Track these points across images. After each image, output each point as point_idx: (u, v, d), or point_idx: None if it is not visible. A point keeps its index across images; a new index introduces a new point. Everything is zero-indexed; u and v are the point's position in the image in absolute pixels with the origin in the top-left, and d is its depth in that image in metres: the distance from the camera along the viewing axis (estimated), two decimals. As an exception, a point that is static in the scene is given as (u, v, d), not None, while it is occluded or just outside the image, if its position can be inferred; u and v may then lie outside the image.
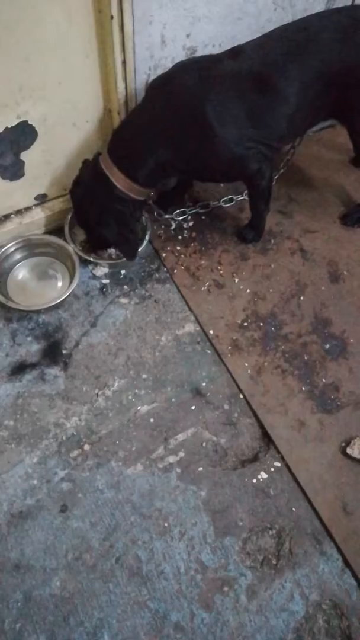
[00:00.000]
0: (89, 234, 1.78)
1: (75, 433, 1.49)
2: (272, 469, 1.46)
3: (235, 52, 1.52)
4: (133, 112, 1.61)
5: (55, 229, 1.87)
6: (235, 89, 1.48)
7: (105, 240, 1.77)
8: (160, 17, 1.56)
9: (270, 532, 1.37)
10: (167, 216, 1.91)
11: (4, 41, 1.38)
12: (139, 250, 1.77)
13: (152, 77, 1.67)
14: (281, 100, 1.52)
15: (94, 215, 1.67)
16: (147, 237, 1.84)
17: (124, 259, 1.79)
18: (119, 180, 1.58)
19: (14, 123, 1.57)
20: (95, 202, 1.64)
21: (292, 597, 1.29)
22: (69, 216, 1.84)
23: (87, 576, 1.29)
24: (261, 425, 1.53)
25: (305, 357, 1.67)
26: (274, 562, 1.33)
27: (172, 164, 1.59)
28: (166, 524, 1.37)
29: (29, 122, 1.59)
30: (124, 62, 1.58)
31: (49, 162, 1.75)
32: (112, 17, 1.44)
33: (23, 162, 1.69)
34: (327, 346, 1.69)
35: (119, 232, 1.67)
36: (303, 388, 1.60)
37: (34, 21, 1.38)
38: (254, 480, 1.44)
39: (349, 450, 1.47)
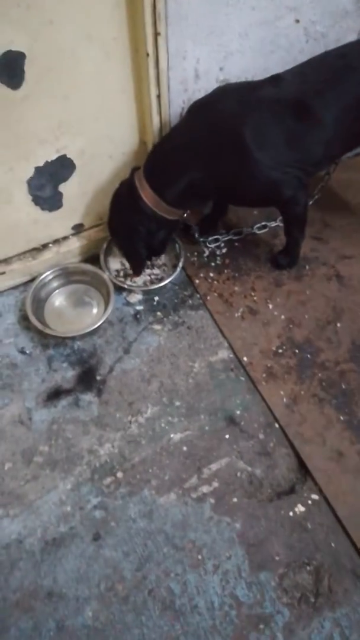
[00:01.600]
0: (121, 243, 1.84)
1: (108, 460, 1.49)
2: (310, 502, 1.41)
3: (275, 79, 1.55)
4: (171, 131, 1.65)
5: (91, 257, 1.91)
6: (273, 113, 1.50)
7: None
8: (194, 53, 1.61)
9: (308, 567, 1.32)
10: (202, 239, 1.93)
11: (46, 81, 1.45)
12: (169, 279, 1.85)
13: (186, 110, 1.72)
14: (319, 126, 1.53)
15: (114, 224, 1.75)
16: (180, 265, 1.87)
17: (158, 285, 1.82)
18: (147, 195, 1.62)
19: (54, 157, 1.64)
20: (119, 212, 1.71)
21: (332, 637, 1.23)
22: (105, 245, 1.88)
23: (119, 607, 1.27)
24: (297, 456, 1.49)
25: (344, 386, 1.63)
26: (312, 599, 1.28)
27: (205, 185, 1.61)
28: (200, 557, 1.33)
29: (68, 156, 1.66)
30: (158, 96, 1.63)
31: (85, 193, 1.81)
32: (147, 54, 1.50)
33: (61, 194, 1.75)
34: (366, 374, 1.65)
35: (126, 247, 1.77)
36: (341, 418, 1.56)
37: (74, 61, 1.45)
38: (291, 513, 1.40)
39: (390, 484, 1.42)
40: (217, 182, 1.62)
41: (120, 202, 1.71)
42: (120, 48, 1.51)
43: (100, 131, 1.66)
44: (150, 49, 1.49)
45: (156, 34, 1.47)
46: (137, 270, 1.83)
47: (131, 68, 1.57)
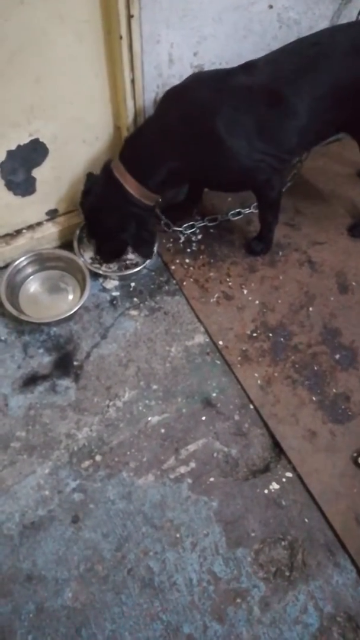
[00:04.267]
0: (101, 243, 1.82)
1: (86, 444, 1.50)
2: (284, 480, 1.45)
3: (248, 67, 1.56)
4: (147, 121, 1.65)
5: (65, 243, 1.90)
6: (246, 102, 1.51)
7: (119, 248, 1.83)
8: (167, 37, 1.60)
9: (283, 543, 1.36)
10: (175, 228, 1.94)
11: (17, 63, 1.42)
12: (144, 264, 1.86)
13: (160, 95, 1.71)
14: (291, 114, 1.55)
15: (112, 222, 1.70)
16: (154, 250, 1.87)
17: (134, 270, 1.82)
18: (132, 187, 1.62)
19: (26, 141, 1.61)
20: (111, 209, 1.68)
21: (306, 609, 1.27)
22: (77, 231, 1.87)
23: (99, 587, 1.29)
24: (272, 436, 1.53)
25: (315, 368, 1.67)
26: (287, 573, 1.32)
27: (183, 172, 1.63)
28: (178, 535, 1.36)
29: (40, 140, 1.64)
30: (132, 81, 1.62)
31: (59, 178, 1.79)
32: (121, 37, 1.49)
33: (34, 179, 1.73)
34: (337, 356, 1.69)
35: (139, 235, 1.73)
36: (313, 398, 1.60)
37: (46, 43, 1.43)
38: (266, 491, 1.43)
39: (360, 460, 1.47)
40: (194, 169, 1.63)
41: (105, 202, 1.67)
42: (92, 30, 1.49)
43: (74, 115, 1.64)
44: (123, 31, 1.48)
45: (129, 17, 1.45)
46: (150, 253, 1.84)
47: (104, 51, 1.55)
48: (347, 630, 1.25)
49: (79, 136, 1.72)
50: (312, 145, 1.83)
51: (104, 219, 1.71)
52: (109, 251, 1.85)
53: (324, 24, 1.88)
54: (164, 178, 1.62)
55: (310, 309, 1.81)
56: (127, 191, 1.63)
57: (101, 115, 1.72)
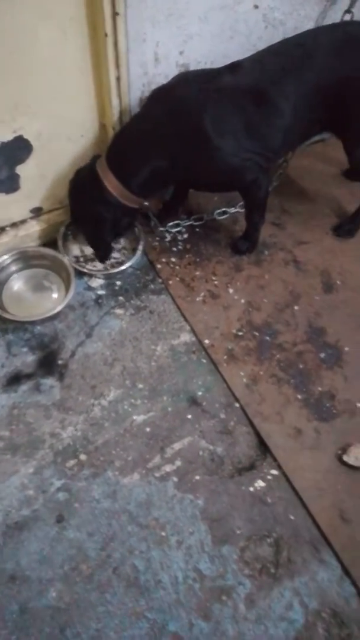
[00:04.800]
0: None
1: (71, 443, 1.49)
2: (269, 477, 1.46)
3: (234, 66, 1.57)
4: (133, 119, 1.65)
5: (50, 241, 1.88)
6: (233, 101, 1.52)
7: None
8: (153, 36, 1.60)
9: (268, 540, 1.37)
10: (161, 228, 1.94)
11: (2, 58, 1.41)
12: (130, 263, 1.86)
13: (146, 94, 1.71)
14: (277, 113, 1.56)
15: (78, 212, 1.76)
16: (140, 248, 1.87)
17: (119, 269, 1.82)
18: (112, 185, 1.62)
19: (10, 138, 1.60)
20: (82, 200, 1.70)
21: (292, 605, 1.28)
22: (62, 229, 1.86)
23: (83, 587, 1.28)
24: (257, 434, 1.53)
25: (301, 366, 1.68)
26: (272, 570, 1.33)
27: (168, 173, 1.62)
28: (163, 533, 1.36)
29: (25, 137, 1.62)
30: (118, 79, 1.61)
31: (44, 176, 1.78)
32: (106, 35, 1.48)
33: (18, 176, 1.72)
34: (322, 355, 1.71)
35: (93, 237, 1.79)
36: (299, 396, 1.61)
37: (30, 40, 1.42)
38: (251, 489, 1.44)
39: (345, 458, 1.48)
40: (180, 169, 1.62)
41: (82, 192, 1.69)
42: (78, 27, 1.48)
43: (58, 112, 1.63)
44: (108, 29, 1.47)
45: (114, 14, 1.44)
46: (103, 258, 1.85)
47: (90, 49, 1.55)
48: (332, 626, 1.25)
49: (63, 133, 1.71)
50: (298, 144, 1.84)
51: (76, 207, 1.75)
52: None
53: (309, 25, 1.90)
54: (146, 178, 1.61)
55: (296, 307, 1.82)
56: (105, 188, 1.63)
57: (86, 112, 1.71)
